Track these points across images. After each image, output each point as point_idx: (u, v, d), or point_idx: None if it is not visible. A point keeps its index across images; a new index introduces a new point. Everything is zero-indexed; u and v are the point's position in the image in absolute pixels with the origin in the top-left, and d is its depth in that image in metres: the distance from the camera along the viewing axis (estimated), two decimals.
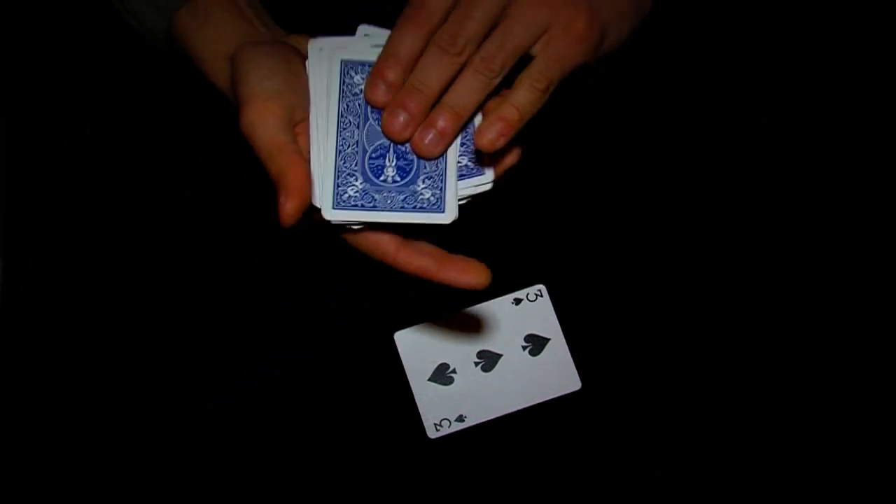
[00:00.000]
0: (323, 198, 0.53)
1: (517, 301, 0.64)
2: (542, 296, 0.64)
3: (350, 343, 0.66)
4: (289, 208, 0.49)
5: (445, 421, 0.61)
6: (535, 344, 0.63)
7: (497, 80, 0.52)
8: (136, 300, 0.71)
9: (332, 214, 0.53)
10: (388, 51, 0.51)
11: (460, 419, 0.62)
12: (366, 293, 0.64)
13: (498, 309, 0.63)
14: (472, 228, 0.60)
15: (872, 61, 0.77)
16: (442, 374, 0.61)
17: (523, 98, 0.52)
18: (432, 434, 0.61)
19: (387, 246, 0.53)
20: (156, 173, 0.73)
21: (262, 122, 0.51)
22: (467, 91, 0.52)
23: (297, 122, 0.53)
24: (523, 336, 0.63)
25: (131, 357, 0.70)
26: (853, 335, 0.70)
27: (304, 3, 0.71)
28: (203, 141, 0.67)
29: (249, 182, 0.73)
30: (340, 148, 0.55)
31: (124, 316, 0.71)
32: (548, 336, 0.63)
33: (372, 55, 0.53)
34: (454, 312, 0.63)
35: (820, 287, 0.71)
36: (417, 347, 0.62)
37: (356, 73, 0.55)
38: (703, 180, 0.74)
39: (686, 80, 0.78)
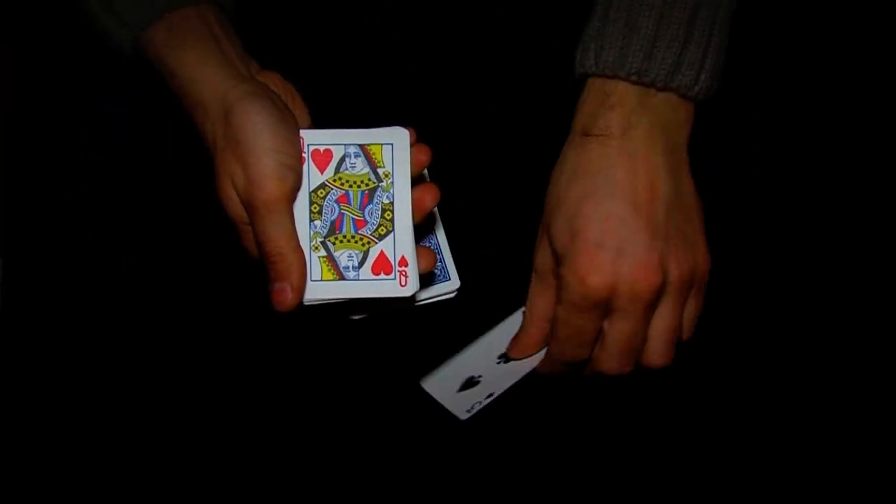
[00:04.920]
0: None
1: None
2: None
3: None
4: (291, 301, 0.53)
5: (476, 404, 0.62)
6: None
7: None
8: (136, 300, 0.71)
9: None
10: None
11: (489, 396, 0.62)
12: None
13: (513, 322, 0.61)
14: (465, 251, 0.60)
15: (868, 60, 0.77)
16: (469, 383, 0.61)
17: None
18: (464, 416, 0.62)
19: None
20: (157, 173, 0.73)
21: (280, 210, 0.53)
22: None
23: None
24: None
25: (131, 357, 0.70)
26: (854, 342, 0.70)
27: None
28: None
29: None
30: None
31: (124, 316, 0.71)
32: None
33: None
34: (469, 342, 0.62)
35: (816, 293, 0.72)
36: (448, 387, 0.61)
37: None
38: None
39: None
